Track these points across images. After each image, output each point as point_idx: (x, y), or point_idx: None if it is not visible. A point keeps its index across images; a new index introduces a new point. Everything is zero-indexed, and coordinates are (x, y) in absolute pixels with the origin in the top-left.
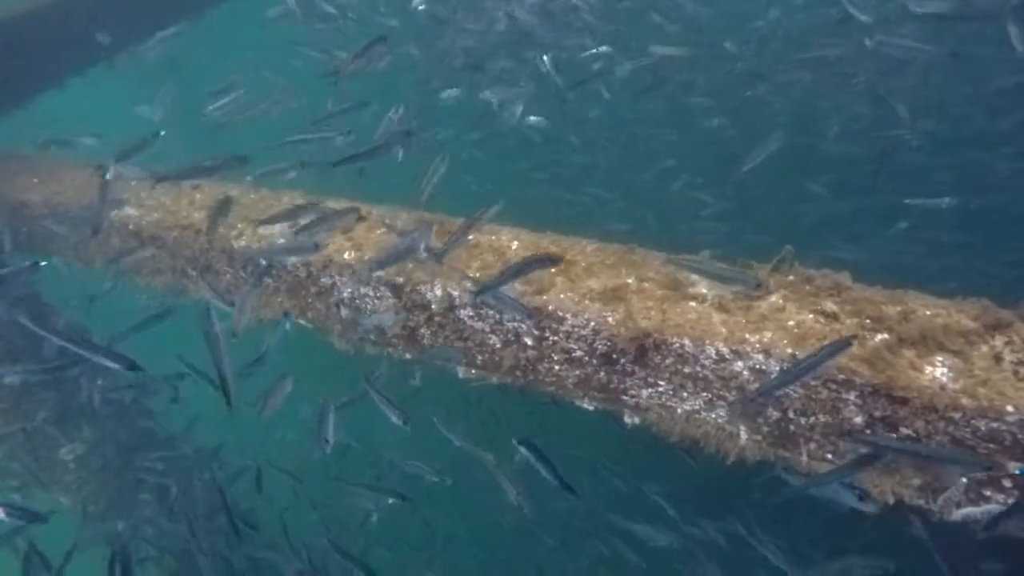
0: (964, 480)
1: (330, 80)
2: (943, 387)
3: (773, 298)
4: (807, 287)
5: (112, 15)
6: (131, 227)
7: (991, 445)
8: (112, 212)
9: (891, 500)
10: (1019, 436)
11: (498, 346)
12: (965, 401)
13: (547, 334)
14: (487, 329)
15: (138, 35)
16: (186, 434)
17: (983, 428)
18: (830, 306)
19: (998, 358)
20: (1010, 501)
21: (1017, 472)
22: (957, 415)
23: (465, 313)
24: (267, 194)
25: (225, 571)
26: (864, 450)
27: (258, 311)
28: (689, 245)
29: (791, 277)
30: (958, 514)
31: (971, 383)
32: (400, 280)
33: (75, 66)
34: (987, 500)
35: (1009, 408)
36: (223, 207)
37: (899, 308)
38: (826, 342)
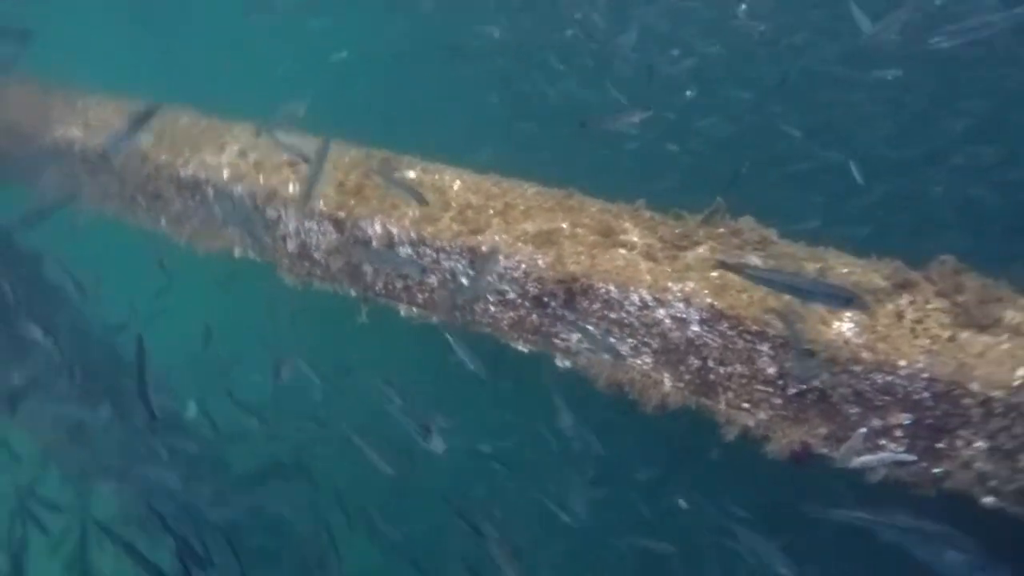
0: (864, 430)
1: None
2: (847, 341)
3: (701, 249)
4: (735, 240)
5: None
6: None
7: (886, 397)
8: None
9: (797, 447)
10: (908, 388)
11: (436, 285)
12: (865, 355)
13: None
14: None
15: None
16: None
17: (879, 381)
18: (754, 259)
19: (900, 316)
20: (900, 450)
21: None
22: (858, 368)
23: (403, 250)
24: (217, 123)
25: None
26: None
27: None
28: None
29: (721, 229)
30: (857, 462)
31: (873, 339)
32: (342, 215)
33: None
34: (882, 449)
35: (901, 362)
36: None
37: (818, 264)
38: (744, 294)
